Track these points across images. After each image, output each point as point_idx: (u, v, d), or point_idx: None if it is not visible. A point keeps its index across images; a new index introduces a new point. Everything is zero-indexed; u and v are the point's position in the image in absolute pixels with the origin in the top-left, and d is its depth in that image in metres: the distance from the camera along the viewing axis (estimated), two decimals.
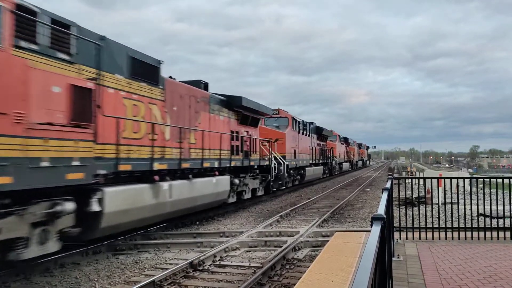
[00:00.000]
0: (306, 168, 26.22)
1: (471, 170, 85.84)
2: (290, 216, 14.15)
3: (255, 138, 17.34)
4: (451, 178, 9.95)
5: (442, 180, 12.00)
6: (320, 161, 31.89)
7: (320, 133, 32.20)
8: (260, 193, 17.89)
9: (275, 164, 18.84)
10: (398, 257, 6.39)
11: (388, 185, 5.88)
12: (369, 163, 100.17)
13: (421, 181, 19.78)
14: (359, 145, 69.87)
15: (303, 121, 26.57)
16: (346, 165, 47.74)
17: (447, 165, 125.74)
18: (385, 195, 4.44)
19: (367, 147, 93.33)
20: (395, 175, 22.16)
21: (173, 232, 11.09)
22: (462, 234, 7.83)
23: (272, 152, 18.81)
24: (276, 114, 23.16)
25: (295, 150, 23.66)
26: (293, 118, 24.22)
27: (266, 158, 18.18)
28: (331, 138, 39.48)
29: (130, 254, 9.00)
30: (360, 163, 68.23)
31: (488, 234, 7.76)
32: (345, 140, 49.46)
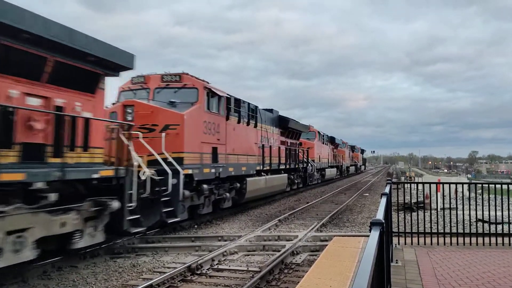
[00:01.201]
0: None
1: (469, 176, 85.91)
2: (288, 220, 14.13)
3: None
4: (449, 183, 9.95)
5: (441, 185, 12.00)
6: (267, 168, 18.79)
7: (285, 125, 22.46)
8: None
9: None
10: (397, 262, 6.38)
11: (387, 190, 5.89)
12: (365, 169, 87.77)
13: (420, 186, 19.68)
14: (352, 148, 59.23)
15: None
16: (331, 172, 36.82)
17: (445, 170, 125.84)
18: (384, 200, 4.44)
19: (362, 151, 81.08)
20: (394, 180, 22.16)
21: (171, 236, 11.07)
22: (460, 239, 7.82)
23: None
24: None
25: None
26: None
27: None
28: (307, 135, 29.89)
29: (128, 257, 8.97)
30: (352, 168, 57.18)
31: (486, 240, 7.76)
32: (331, 140, 39.60)
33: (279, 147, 20.94)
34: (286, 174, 21.68)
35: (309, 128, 29.49)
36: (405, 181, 33.63)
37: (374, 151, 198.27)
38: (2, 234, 6.03)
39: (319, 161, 31.92)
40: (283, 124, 22.14)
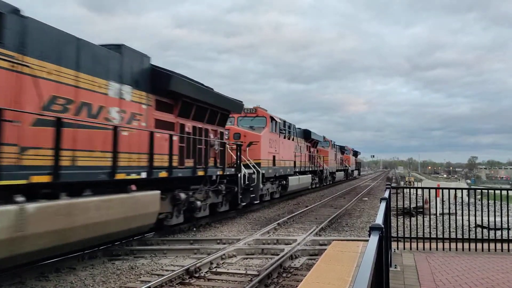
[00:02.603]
0: None
1: (469, 181, 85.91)
2: (287, 224, 14.11)
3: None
4: (449, 188, 9.94)
5: (440, 190, 12.00)
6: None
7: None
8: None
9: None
10: (396, 267, 6.37)
11: (386, 194, 5.88)
12: (359, 174, 74.05)
13: (419, 191, 19.74)
14: (341, 149, 47.63)
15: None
16: (305, 180, 26.14)
17: (445, 176, 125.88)
18: (383, 205, 4.44)
19: (355, 153, 67.43)
20: (393, 185, 22.17)
21: (170, 238, 11.05)
22: (459, 245, 7.81)
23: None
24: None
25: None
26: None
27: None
28: (258, 122, 19.44)
29: (126, 259, 8.96)
30: (340, 174, 44.21)
31: (485, 245, 7.75)
32: (306, 136, 28.55)
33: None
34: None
35: (256, 110, 20.20)
36: (405, 186, 33.61)
37: (373, 156, 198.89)
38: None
39: (279, 163, 21.11)
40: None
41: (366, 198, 25.42)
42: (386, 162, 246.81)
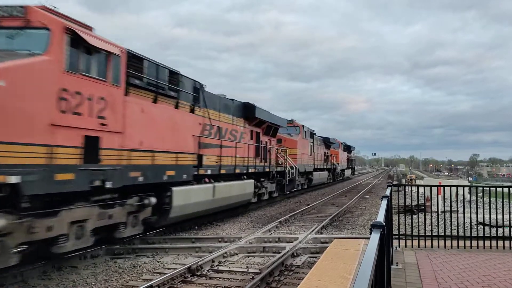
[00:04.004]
0: None
1: (470, 179, 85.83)
2: (289, 222, 14.12)
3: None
4: (450, 186, 9.94)
5: (442, 188, 12.00)
6: None
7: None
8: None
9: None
10: (397, 265, 6.37)
11: (387, 192, 5.88)
12: (353, 174, 59.80)
13: (421, 189, 19.75)
14: (326, 142, 35.42)
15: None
16: (246, 190, 15.95)
17: (446, 173, 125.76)
18: (384, 203, 4.44)
19: (349, 147, 54.26)
20: (395, 183, 22.17)
21: (172, 237, 11.07)
22: (461, 242, 7.80)
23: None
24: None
25: None
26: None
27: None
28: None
29: (128, 258, 8.97)
30: (320, 176, 31.65)
31: (487, 243, 7.74)
32: (246, 115, 16.64)
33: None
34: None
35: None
36: (406, 183, 33.58)
37: (375, 154, 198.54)
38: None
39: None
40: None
41: (368, 196, 25.42)
42: (387, 160, 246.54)
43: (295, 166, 22.48)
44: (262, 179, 18.01)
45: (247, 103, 16.37)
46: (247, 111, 16.24)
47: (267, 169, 18.54)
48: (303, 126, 26.56)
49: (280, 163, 21.05)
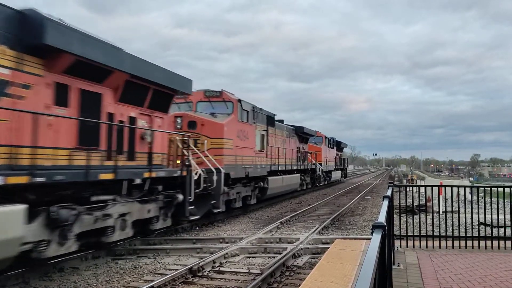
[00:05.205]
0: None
1: (471, 179, 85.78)
2: (290, 223, 14.12)
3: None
4: (451, 186, 9.93)
5: (443, 188, 11.98)
6: None
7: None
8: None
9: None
10: (398, 265, 6.37)
11: (388, 193, 5.88)
12: (345, 176, 49.33)
13: (422, 189, 19.76)
14: (299, 133, 25.64)
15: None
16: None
17: (447, 173, 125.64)
18: (385, 203, 4.44)
19: (338, 144, 42.89)
20: (396, 183, 22.16)
21: (173, 238, 11.07)
22: (462, 243, 7.80)
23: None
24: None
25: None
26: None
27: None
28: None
29: (129, 259, 8.98)
30: (288, 181, 21.48)
31: (488, 243, 7.73)
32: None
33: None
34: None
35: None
36: (407, 184, 33.56)
37: (376, 154, 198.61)
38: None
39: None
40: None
41: (369, 197, 25.40)
42: (388, 160, 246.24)
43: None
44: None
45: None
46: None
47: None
48: (239, 100, 15.46)
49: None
